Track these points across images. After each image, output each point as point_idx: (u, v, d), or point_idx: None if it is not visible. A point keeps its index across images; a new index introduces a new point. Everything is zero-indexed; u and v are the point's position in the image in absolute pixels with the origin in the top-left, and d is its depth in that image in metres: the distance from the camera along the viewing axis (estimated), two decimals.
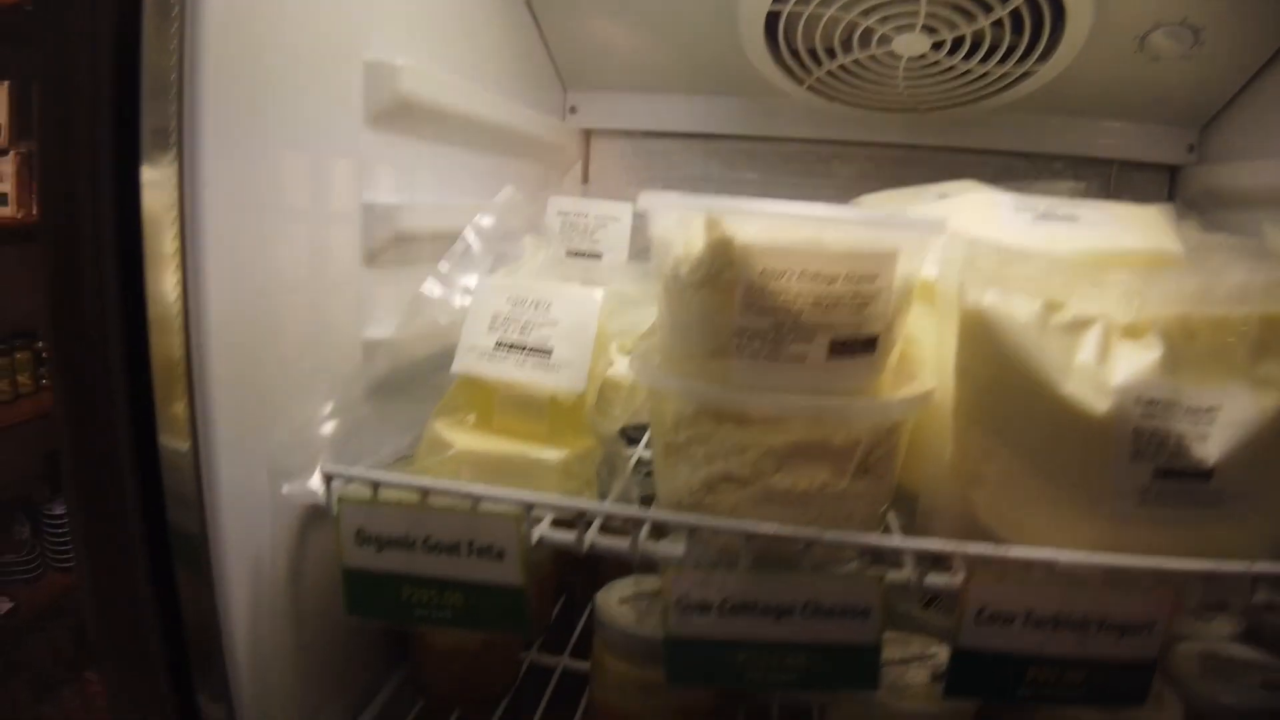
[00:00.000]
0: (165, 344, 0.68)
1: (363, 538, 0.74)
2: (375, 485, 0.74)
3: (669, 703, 0.79)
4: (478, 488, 0.71)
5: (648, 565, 0.71)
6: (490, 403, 0.79)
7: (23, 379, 2.76)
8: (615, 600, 0.82)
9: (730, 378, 0.65)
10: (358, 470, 0.75)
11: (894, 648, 0.81)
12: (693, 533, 0.69)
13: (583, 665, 0.93)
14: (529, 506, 0.70)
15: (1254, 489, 0.68)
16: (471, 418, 0.79)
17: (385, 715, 0.87)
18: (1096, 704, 0.69)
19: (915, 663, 0.78)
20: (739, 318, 0.63)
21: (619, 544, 0.72)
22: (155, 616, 0.74)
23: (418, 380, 0.85)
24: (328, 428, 0.78)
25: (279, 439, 0.76)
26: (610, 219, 1.13)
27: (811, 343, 0.64)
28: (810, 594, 0.67)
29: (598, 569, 0.95)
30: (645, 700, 0.79)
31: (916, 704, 0.74)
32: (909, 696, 0.74)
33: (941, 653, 0.79)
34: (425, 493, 0.72)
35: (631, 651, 0.79)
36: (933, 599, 0.87)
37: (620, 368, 0.84)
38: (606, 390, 0.83)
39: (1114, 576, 0.66)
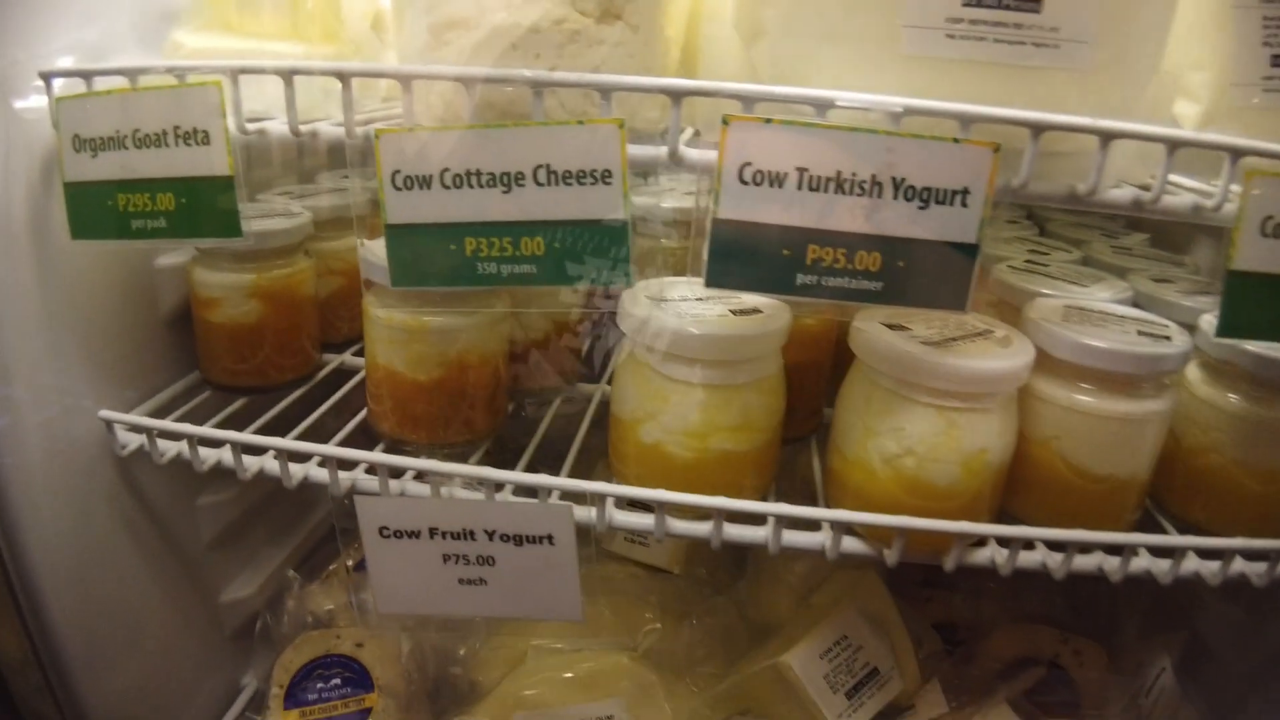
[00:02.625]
0: None
1: (80, 143, 0.65)
2: (88, 75, 0.64)
3: (440, 353, 0.69)
4: (186, 61, 0.62)
5: (364, 156, 0.59)
6: (233, 5, 0.69)
7: None
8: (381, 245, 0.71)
9: None
10: (70, 63, 0.66)
11: (689, 288, 0.69)
12: (409, 85, 0.57)
13: None
14: (235, 73, 0.60)
15: (1099, 32, 0.55)
16: (213, 21, 0.69)
17: (169, 409, 0.78)
18: (901, 299, 0.56)
19: (713, 299, 0.66)
20: None
21: (334, 130, 0.61)
22: None
23: None
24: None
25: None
26: None
27: None
28: (543, 153, 0.55)
29: None
30: (410, 350, 0.69)
31: (712, 328, 0.62)
32: (705, 325, 0.62)
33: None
34: (135, 74, 0.62)
35: (392, 292, 0.68)
36: None
37: None
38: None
39: (914, 125, 0.53)
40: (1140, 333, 0.65)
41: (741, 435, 0.64)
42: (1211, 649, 0.85)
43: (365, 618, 0.91)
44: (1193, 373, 0.71)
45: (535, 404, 0.80)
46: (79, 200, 0.66)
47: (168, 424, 0.72)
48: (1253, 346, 0.67)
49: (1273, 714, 0.79)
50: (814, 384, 0.73)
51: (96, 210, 0.66)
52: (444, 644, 0.87)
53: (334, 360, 0.87)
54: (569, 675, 0.82)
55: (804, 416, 0.74)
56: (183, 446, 0.72)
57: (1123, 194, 0.58)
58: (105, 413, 0.73)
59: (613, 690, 0.81)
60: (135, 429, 0.73)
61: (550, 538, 0.64)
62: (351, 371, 0.85)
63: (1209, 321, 0.70)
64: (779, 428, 0.67)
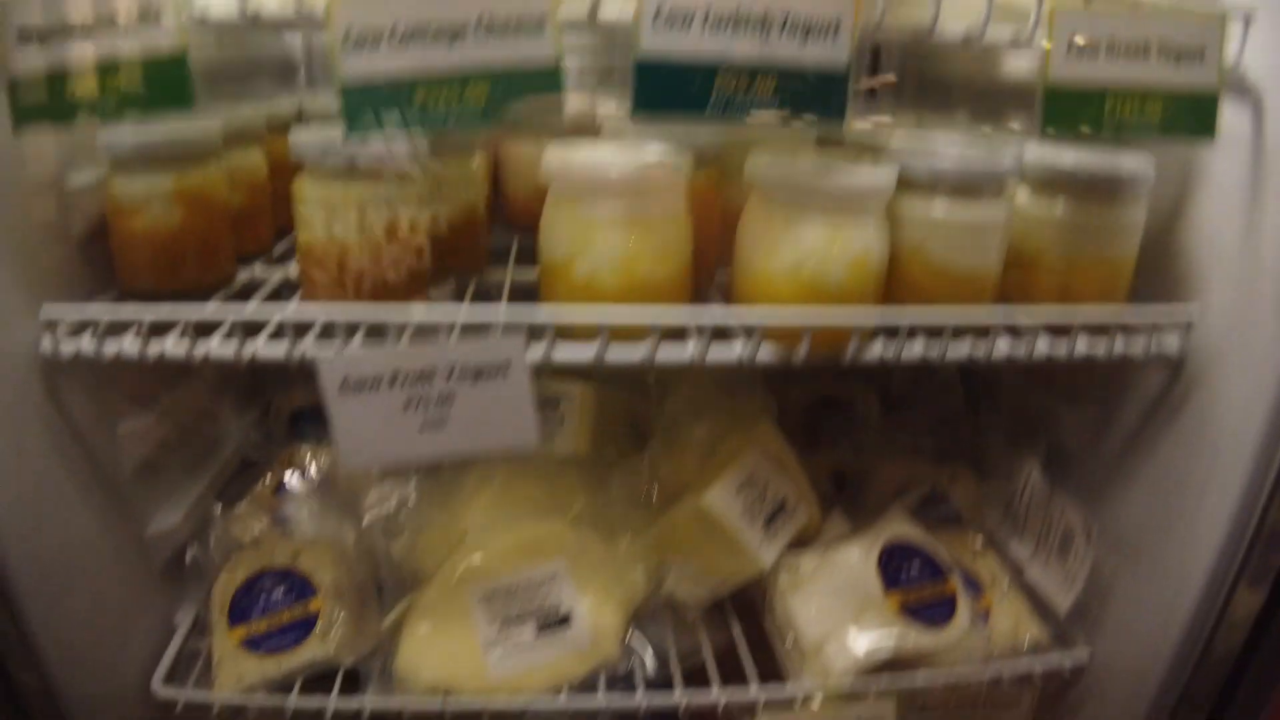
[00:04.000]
0: None
1: (25, 35, 0.67)
2: None
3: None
4: None
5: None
6: None
7: None
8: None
9: None
10: None
11: (605, 149, 0.77)
12: None
13: None
14: None
15: None
16: None
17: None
18: (795, 111, 0.67)
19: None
20: None
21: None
22: None
23: None
24: None
25: None
26: None
27: None
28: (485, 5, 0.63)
29: None
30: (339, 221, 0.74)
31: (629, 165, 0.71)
32: (622, 165, 0.71)
33: None
34: None
35: (326, 167, 0.73)
36: None
37: None
38: None
39: None
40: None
41: (661, 264, 0.73)
42: (1069, 452, 1.00)
43: (292, 535, 0.93)
44: (1021, 194, 0.85)
45: None
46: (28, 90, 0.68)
47: (117, 314, 0.73)
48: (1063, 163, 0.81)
49: (1131, 490, 0.91)
50: (705, 243, 0.81)
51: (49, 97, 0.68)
52: (375, 546, 0.91)
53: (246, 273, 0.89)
54: (510, 545, 0.87)
55: (700, 274, 0.83)
56: (126, 341, 0.73)
57: (956, 28, 0.72)
58: (49, 306, 0.73)
59: (553, 553, 0.87)
60: (81, 325, 0.74)
61: (507, 365, 0.70)
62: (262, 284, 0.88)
63: (1033, 151, 0.83)
64: (691, 260, 0.76)
